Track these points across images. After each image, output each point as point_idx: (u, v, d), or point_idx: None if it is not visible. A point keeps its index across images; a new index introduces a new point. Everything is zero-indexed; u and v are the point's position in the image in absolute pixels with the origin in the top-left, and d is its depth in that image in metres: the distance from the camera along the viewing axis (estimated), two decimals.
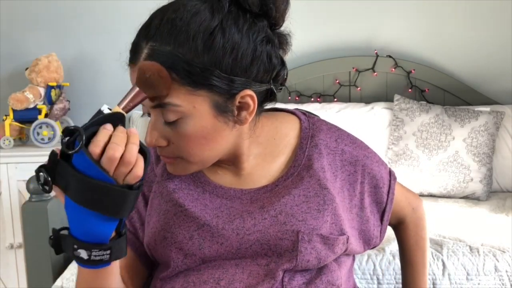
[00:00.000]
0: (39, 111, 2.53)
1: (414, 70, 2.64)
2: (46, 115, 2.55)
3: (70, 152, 0.64)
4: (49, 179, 0.66)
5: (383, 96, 2.68)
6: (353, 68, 2.68)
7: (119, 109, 0.69)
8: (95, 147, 0.64)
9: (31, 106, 2.53)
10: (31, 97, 2.51)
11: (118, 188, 0.65)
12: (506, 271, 1.62)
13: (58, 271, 1.58)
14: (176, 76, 0.72)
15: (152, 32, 0.74)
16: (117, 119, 0.68)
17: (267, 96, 0.83)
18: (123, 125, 0.69)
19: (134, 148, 0.66)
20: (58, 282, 1.55)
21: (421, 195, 2.36)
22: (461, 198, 2.33)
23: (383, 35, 2.72)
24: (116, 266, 0.77)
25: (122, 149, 0.65)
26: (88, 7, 2.73)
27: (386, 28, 2.71)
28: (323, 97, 2.70)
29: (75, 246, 0.68)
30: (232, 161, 0.86)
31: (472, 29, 2.68)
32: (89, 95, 2.79)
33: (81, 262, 0.69)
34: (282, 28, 0.82)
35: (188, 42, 0.73)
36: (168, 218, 0.84)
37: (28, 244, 1.54)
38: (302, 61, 2.71)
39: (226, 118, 0.78)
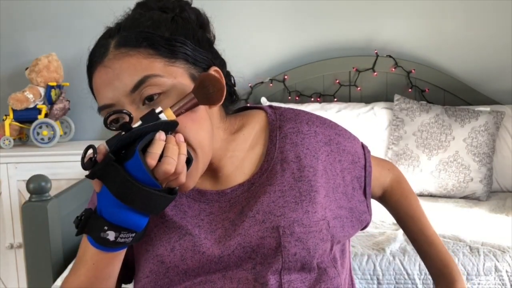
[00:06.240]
0: (39, 111, 2.53)
1: (414, 70, 2.64)
2: (46, 115, 2.55)
3: (127, 161, 0.67)
4: (96, 169, 0.68)
5: (383, 96, 2.68)
6: (353, 68, 2.68)
7: (172, 114, 0.72)
8: (152, 160, 0.68)
9: (31, 106, 2.53)
10: (31, 97, 2.51)
11: (162, 194, 0.69)
12: (506, 271, 1.62)
13: (58, 271, 1.58)
14: (151, 50, 0.75)
15: (115, 31, 0.80)
16: (170, 127, 0.72)
17: (227, 97, 0.84)
18: (173, 132, 0.72)
19: (183, 159, 0.70)
20: (58, 282, 1.55)
21: (421, 195, 2.36)
22: (461, 198, 2.33)
23: (383, 35, 2.72)
24: (122, 252, 0.79)
25: (176, 162, 0.69)
26: (88, 7, 2.73)
27: (386, 28, 2.71)
28: (323, 97, 2.69)
29: (105, 228, 0.71)
30: (212, 162, 0.84)
31: (472, 29, 2.68)
32: (89, 95, 2.77)
33: (102, 244, 0.72)
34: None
35: (151, 22, 0.78)
36: (148, 230, 0.82)
37: (28, 244, 1.54)
38: (302, 61, 2.71)
39: None
